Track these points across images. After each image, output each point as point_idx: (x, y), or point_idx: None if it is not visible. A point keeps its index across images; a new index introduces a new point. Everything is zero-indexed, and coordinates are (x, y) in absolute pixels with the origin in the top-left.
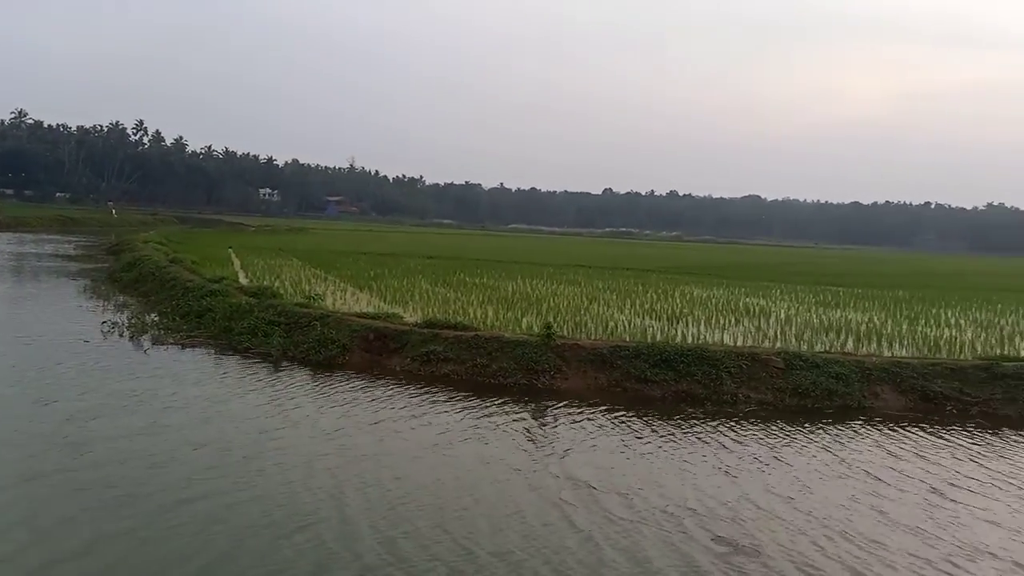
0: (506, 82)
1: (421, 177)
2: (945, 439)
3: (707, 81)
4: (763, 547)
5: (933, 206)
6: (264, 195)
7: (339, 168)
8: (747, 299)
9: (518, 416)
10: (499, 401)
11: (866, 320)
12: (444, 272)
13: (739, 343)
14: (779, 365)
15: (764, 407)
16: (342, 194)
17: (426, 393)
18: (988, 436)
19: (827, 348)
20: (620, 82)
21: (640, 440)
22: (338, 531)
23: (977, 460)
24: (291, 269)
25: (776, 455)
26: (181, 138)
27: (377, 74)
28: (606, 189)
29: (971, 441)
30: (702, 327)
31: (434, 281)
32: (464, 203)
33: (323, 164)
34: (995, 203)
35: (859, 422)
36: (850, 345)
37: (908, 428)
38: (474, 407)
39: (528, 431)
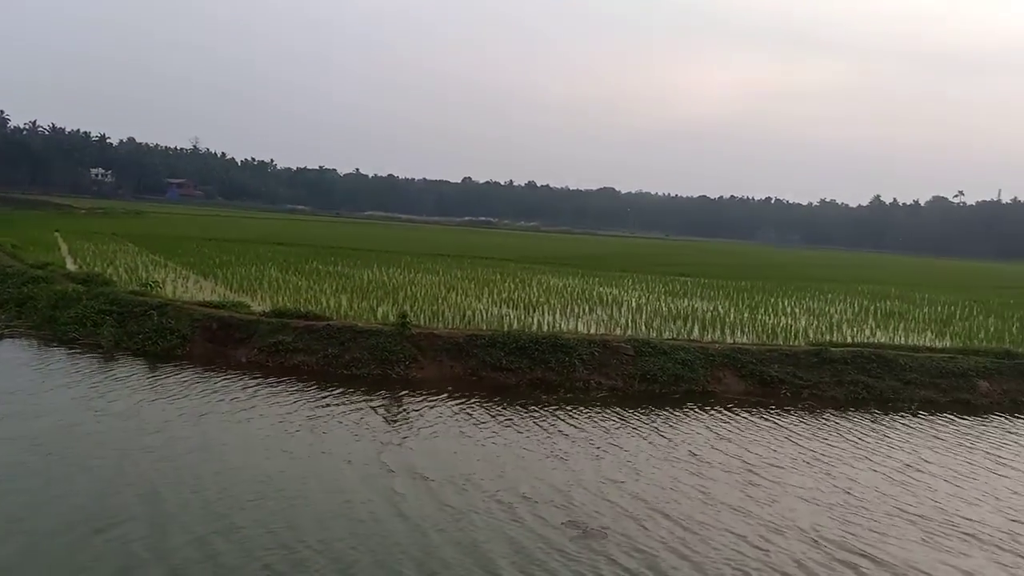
0: (365, 59)
1: (272, 161)
2: (769, 420)
3: (568, 74)
4: (593, 527)
5: (773, 202)
6: (96, 176)
7: (182, 149)
8: (601, 288)
9: (360, 406)
10: (343, 391)
11: (711, 309)
12: (296, 260)
13: (592, 331)
14: (629, 352)
15: (615, 393)
16: (185, 177)
17: (267, 384)
18: (809, 416)
19: (675, 335)
20: (480, 69)
21: (482, 428)
22: (147, 531)
23: (793, 440)
24: (126, 255)
25: (611, 440)
26: (1, 112)
27: (228, 41)
28: (465, 178)
29: (789, 422)
30: (557, 316)
31: (285, 269)
32: (318, 189)
33: (163, 144)
34: (827, 200)
35: (693, 405)
36: (696, 333)
37: (738, 410)
38: (314, 398)
39: (368, 422)
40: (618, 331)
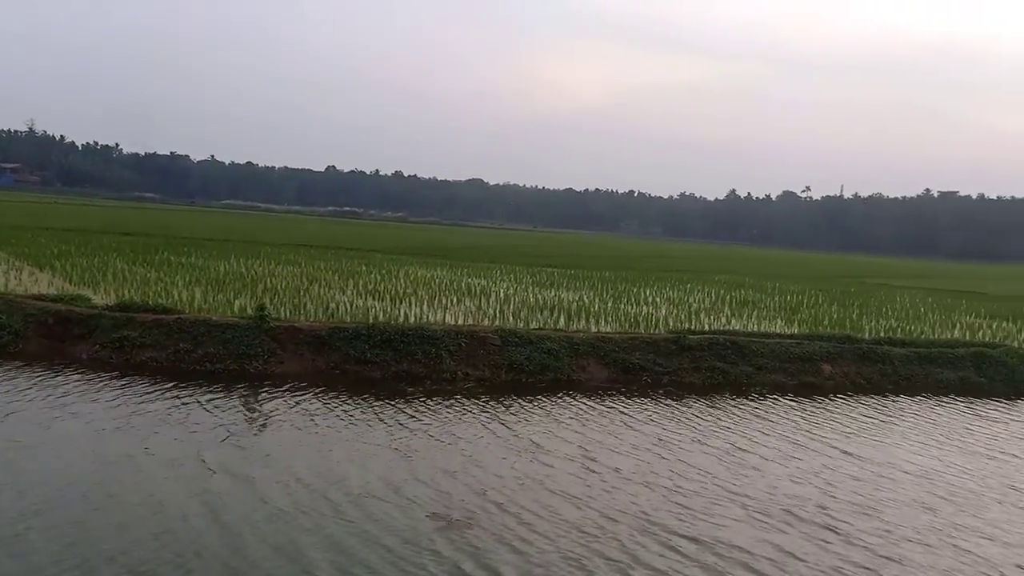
0: (220, 38)
1: (117, 145)
2: (615, 407)
3: (437, 64)
4: (458, 517)
5: (636, 195)
6: None
7: (15, 131)
8: (469, 279)
9: (195, 403)
10: (186, 388)
11: (577, 299)
12: (144, 250)
13: (460, 322)
14: (496, 342)
15: (482, 383)
16: (19, 161)
17: (102, 382)
18: (656, 403)
19: (542, 325)
20: (346, 54)
21: (328, 423)
22: None
23: (634, 427)
24: None
25: (456, 431)
26: None
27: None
28: (329, 166)
29: (635, 408)
30: (425, 307)
31: (132, 260)
32: (170, 176)
33: None
34: (687, 193)
35: (551, 394)
36: (562, 322)
37: (591, 398)
38: (148, 395)
39: (198, 420)
40: (486, 322)
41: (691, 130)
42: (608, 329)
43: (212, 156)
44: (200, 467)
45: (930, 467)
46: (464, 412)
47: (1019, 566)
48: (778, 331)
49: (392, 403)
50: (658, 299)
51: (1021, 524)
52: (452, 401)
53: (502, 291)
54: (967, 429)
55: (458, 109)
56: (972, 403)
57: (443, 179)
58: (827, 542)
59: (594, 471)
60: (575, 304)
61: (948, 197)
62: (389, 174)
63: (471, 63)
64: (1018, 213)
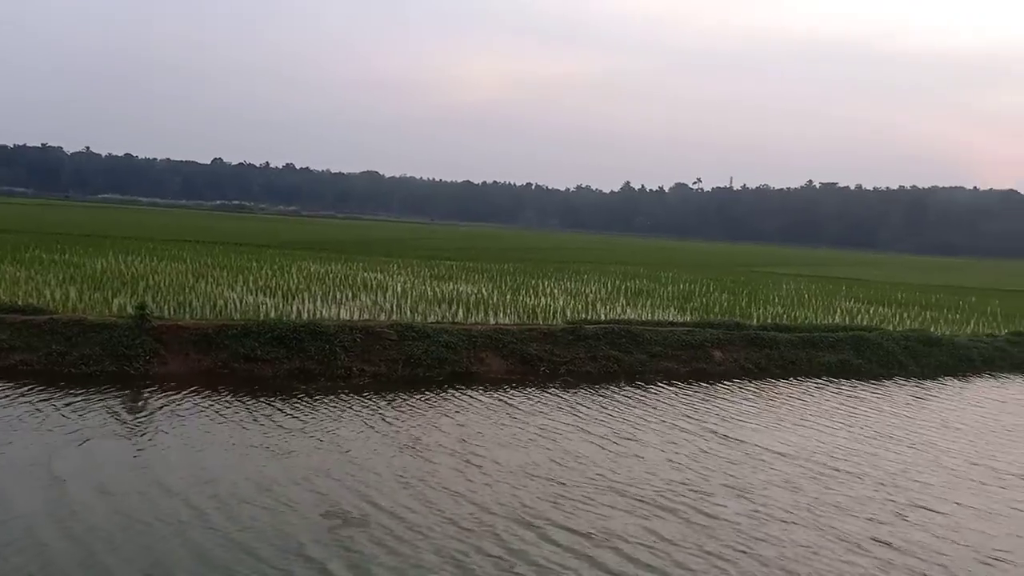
0: (92, 20)
1: None
2: (497, 399)
3: (330, 55)
4: (355, 515)
5: (533, 187)
6: None
7: None
8: (365, 274)
9: (52, 407)
10: (49, 392)
11: (475, 291)
12: (13, 248)
13: (356, 317)
14: (392, 337)
15: (378, 379)
16: None
17: None
18: (535, 392)
19: (440, 319)
20: (230, 41)
21: (202, 425)
22: None
23: (515, 417)
24: None
25: (336, 429)
26: None
27: None
28: (216, 159)
29: (520, 400)
30: (319, 303)
31: None
32: (41, 169)
33: None
34: (583, 186)
35: (437, 388)
36: (460, 315)
37: (471, 391)
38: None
39: (52, 425)
40: (383, 317)
41: (588, 123)
42: (507, 321)
43: (87, 148)
44: (49, 475)
45: (803, 448)
46: (346, 409)
47: (875, 539)
48: (671, 319)
49: (273, 402)
50: (556, 290)
51: (881, 500)
52: (337, 398)
53: (399, 285)
54: (842, 410)
55: (353, 101)
56: (853, 385)
57: (337, 171)
58: (702, 525)
59: (475, 464)
60: (473, 297)
61: (829, 188)
62: (280, 166)
63: (365, 54)
64: (893, 203)
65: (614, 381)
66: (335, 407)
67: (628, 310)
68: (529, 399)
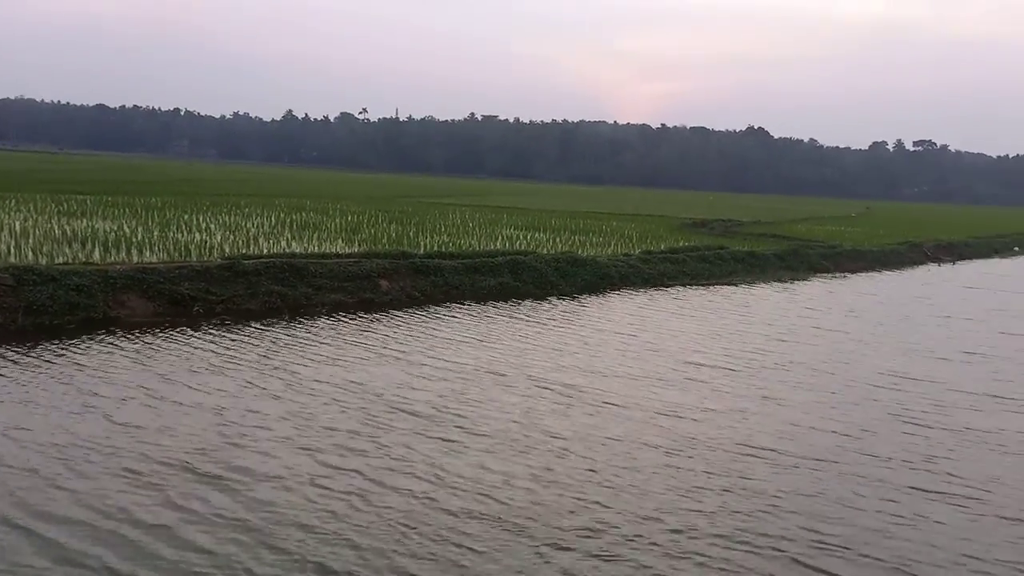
0: None
1: None
2: (120, 345)
3: None
4: None
5: (183, 113)
6: None
7: None
8: None
9: None
10: None
11: (115, 228)
12: None
13: None
14: (9, 283)
15: None
16: None
17: None
18: (182, 334)
19: (71, 260)
20: None
21: None
22: None
23: (137, 365)
24: None
25: None
26: None
27: None
28: None
29: (135, 346)
30: None
31: None
32: None
33: None
34: (241, 113)
35: (66, 337)
36: (97, 255)
37: (103, 338)
38: None
39: None
40: None
41: (243, 45)
42: (154, 259)
43: None
44: None
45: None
46: None
47: (489, 450)
48: (339, 252)
49: None
50: (213, 225)
51: (496, 410)
52: None
53: (17, 224)
54: (495, 328)
55: None
56: (514, 304)
57: None
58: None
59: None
60: (113, 235)
61: (490, 120)
62: None
63: None
64: (547, 136)
65: (278, 316)
66: None
67: (294, 244)
68: (174, 342)
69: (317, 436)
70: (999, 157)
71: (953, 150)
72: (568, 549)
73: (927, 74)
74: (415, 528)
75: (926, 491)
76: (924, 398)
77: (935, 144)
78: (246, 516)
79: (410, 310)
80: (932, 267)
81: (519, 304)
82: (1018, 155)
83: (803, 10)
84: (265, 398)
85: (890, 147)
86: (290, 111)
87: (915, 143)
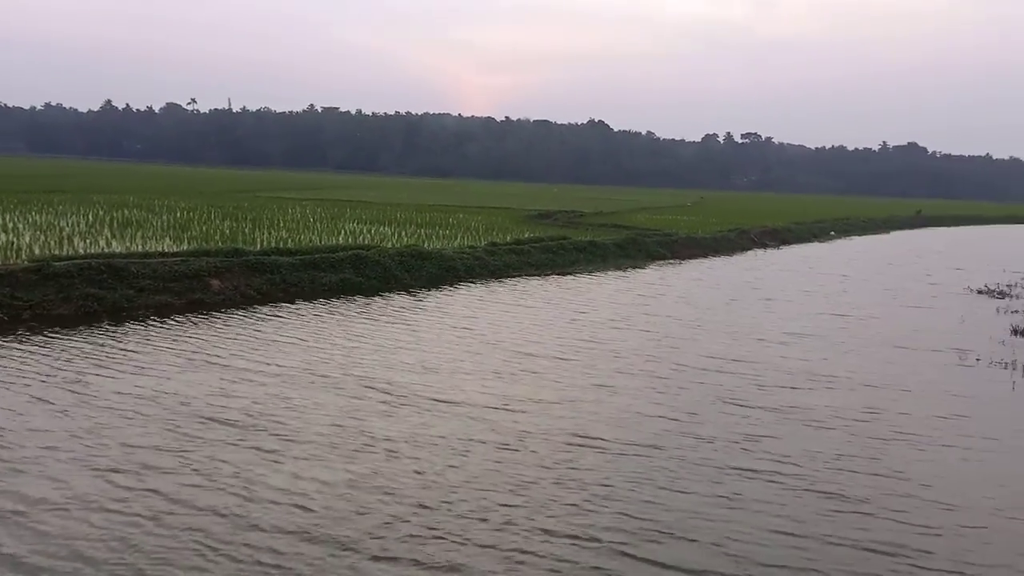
0: None
1: None
2: None
3: None
4: None
5: None
6: None
7: None
8: None
9: None
10: None
11: None
12: None
13: None
14: None
15: None
16: None
17: None
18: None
19: None
20: None
21: None
22: None
23: None
24: None
25: None
26: None
27: None
28: None
29: None
30: None
31: None
32: None
33: None
34: (53, 103)
35: None
36: None
37: None
38: None
39: None
40: None
41: (52, 29)
42: None
43: None
44: None
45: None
46: None
47: (308, 457)
48: (165, 251)
49: None
50: (20, 225)
51: (319, 414)
52: None
53: None
54: (327, 327)
55: None
56: (352, 300)
57: None
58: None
59: None
60: None
61: (331, 112)
62: None
63: None
64: (391, 128)
65: (95, 321)
66: None
67: (114, 243)
68: None
69: (113, 455)
70: (817, 148)
71: (776, 142)
72: (390, 559)
73: (751, 71)
74: (217, 549)
75: (747, 470)
76: (746, 379)
77: (760, 136)
78: (19, 551)
79: (242, 310)
80: (759, 252)
81: (355, 301)
82: (833, 146)
83: (636, 8)
84: (55, 415)
85: (720, 139)
86: (109, 101)
87: (743, 135)
